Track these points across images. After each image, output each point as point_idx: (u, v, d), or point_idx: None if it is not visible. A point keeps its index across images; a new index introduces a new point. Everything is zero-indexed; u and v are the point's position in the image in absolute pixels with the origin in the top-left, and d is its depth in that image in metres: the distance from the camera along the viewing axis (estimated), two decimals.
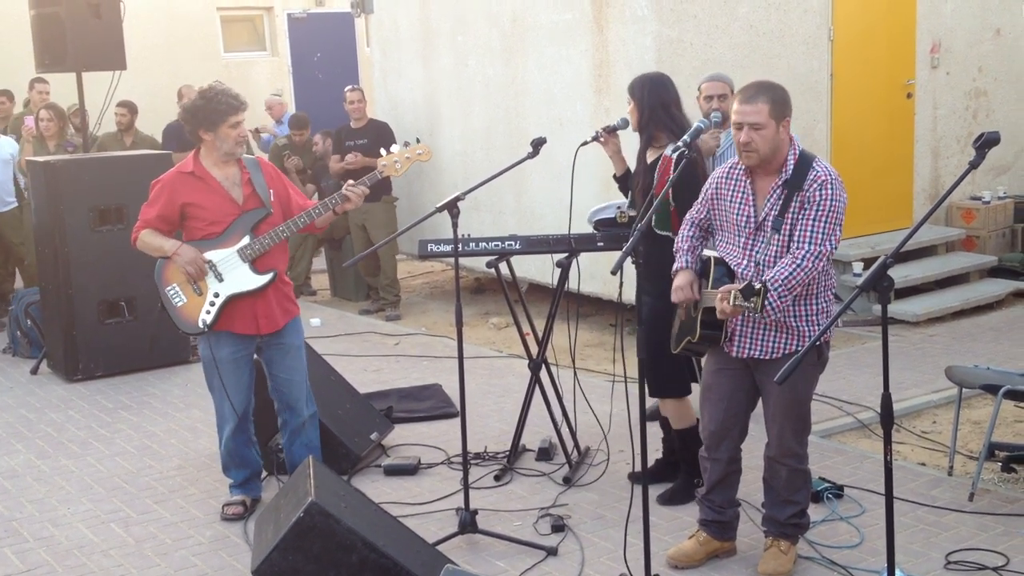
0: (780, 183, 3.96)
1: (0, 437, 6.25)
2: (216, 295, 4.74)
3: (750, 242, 4.02)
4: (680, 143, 4.13)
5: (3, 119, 9.74)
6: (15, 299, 8.32)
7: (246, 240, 4.73)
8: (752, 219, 4.01)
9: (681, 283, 4.11)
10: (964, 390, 5.12)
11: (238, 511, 4.94)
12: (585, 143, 5.04)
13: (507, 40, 8.67)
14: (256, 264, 4.75)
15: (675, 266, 4.19)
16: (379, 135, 9.01)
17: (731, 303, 3.73)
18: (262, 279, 4.75)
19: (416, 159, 4.90)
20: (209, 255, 4.72)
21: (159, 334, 7.20)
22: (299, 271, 9.77)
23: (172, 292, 4.79)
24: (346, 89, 9.36)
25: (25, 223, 8.94)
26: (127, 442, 6.08)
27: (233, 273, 4.73)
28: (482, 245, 5.36)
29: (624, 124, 5.01)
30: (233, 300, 4.74)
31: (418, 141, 4.98)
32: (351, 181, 4.86)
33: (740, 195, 4.05)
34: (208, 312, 4.74)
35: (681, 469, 4.94)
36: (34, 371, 7.60)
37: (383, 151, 4.93)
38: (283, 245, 4.88)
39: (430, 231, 7.67)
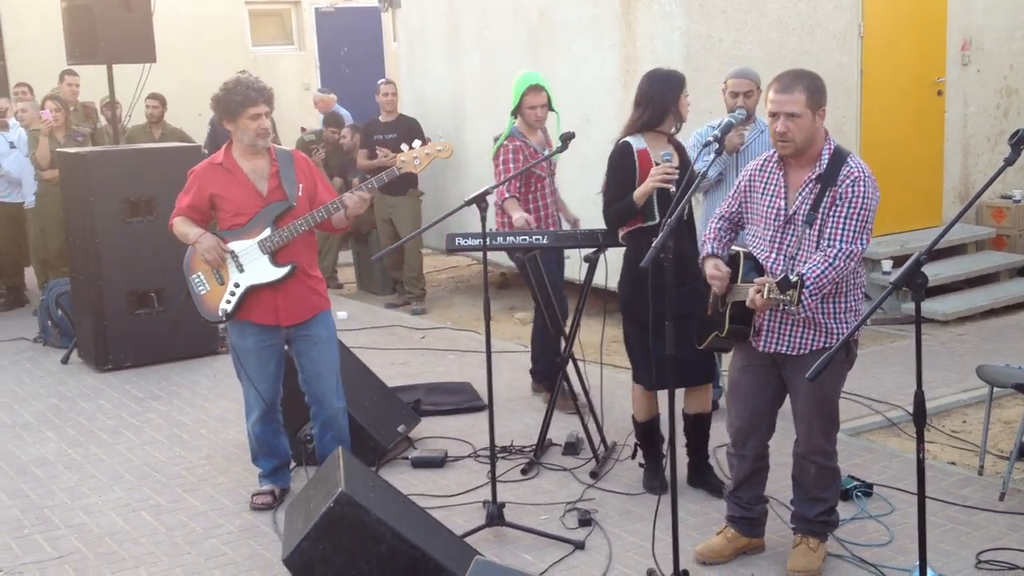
0: (813, 177, 3.94)
1: (31, 425, 6.32)
2: (236, 285, 4.78)
3: (779, 235, 4.00)
4: (711, 137, 4.12)
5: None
6: (46, 289, 8.40)
7: (267, 232, 4.76)
8: (782, 212, 3.99)
9: (712, 271, 4.09)
10: (995, 389, 5.08)
11: (267, 501, 4.97)
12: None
13: (534, 35, 8.67)
14: (277, 256, 4.77)
15: (702, 254, 4.18)
16: (408, 130, 9.00)
17: (765, 295, 3.71)
18: (280, 271, 4.78)
19: (436, 156, 4.87)
20: (232, 245, 4.76)
21: (185, 324, 7.27)
22: (326, 265, 9.80)
23: (196, 280, 4.86)
24: (380, 82, 9.39)
25: (43, 216, 9.00)
26: (157, 431, 6.13)
27: (253, 264, 4.77)
28: (509, 239, 5.37)
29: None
30: (253, 291, 4.78)
31: (440, 138, 4.97)
32: (355, 186, 4.88)
33: (772, 187, 4.04)
34: (228, 301, 4.79)
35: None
36: (65, 360, 7.67)
37: (404, 146, 4.92)
38: (309, 239, 4.89)
39: (456, 226, 7.69)
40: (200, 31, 13.74)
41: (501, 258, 8.32)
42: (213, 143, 9.48)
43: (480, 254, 5.06)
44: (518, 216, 5.79)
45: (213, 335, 7.61)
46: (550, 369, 5.95)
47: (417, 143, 4.90)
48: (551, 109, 6.23)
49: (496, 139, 6.22)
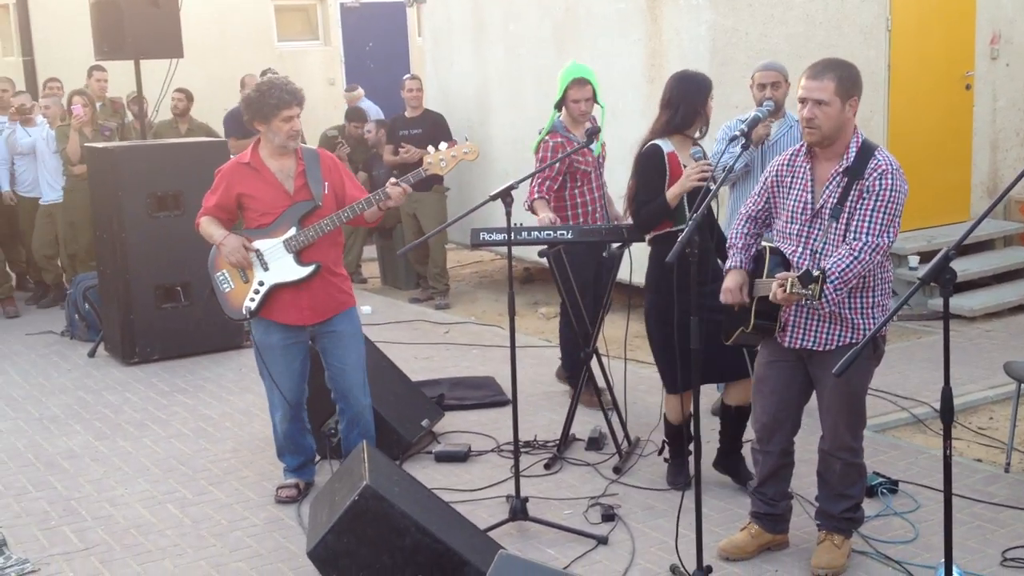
0: (840, 170, 3.91)
1: (59, 418, 6.38)
2: (261, 283, 4.80)
3: (806, 230, 3.98)
4: (738, 131, 4.11)
5: (59, 107, 9.88)
6: (73, 283, 8.48)
7: (292, 231, 4.77)
8: (809, 206, 3.97)
9: (731, 285, 4.09)
10: (1022, 386, 5.04)
11: (292, 494, 5.00)
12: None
13: (559, 29, 8.66)
14: (301, 256, 4.79)
15: (727, 265, 4.16)
16: (434, 126, 9.04)
17: (788, 290, 3.70)
18: (304, 271, 4.79)
19: (463, 158, 4.88)
20: (257, 244, 4.78)
21: (211, 319, 7.30)
22: (350, 259, 9.83)
23: (221, 278, 4.88)
24: (405, 77, 9.40)
25: (72, 211, 9.06)
26: (183, 424, 6.17)
27: (278, 263, 4.79)
28: (534, 234, 5.36)
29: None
30: (277, 289, 4.80)
31: (466, 140, 4.98)
32: (392, 179, 4.87)
33: (800, 181, 4.01)
34: (252, 300, 4.80)
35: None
36: (92, 354, 7.74)
37: (431, 148, 4.92)
38: (333, 238, 4.89)
39: (479, 221, 7.68)
40: (226, 27, 13.80)
41: (525, 253, 8.32)
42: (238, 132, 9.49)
43: (504, 249, 5.05)
44: (543, 216, 5.72)
45: (238, 330, 7.65)
46: (574, 365, 5.94)
47: (444, 145, 4.91)
48: (596, 102, 6.03)
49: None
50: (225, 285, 4.88)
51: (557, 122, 5.98)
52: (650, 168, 4.80)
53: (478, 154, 4.97)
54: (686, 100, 4.75)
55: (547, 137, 5.96)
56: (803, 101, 3.90)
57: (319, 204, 4.81)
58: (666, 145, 4.79)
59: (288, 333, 4.87)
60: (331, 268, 4.89)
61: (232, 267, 4.84)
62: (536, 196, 5.86)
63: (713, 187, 4.02)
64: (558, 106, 5.97)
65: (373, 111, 10.99)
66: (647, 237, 4.95)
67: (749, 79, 5.94)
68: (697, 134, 4.83)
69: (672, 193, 4.71)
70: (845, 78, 3.88)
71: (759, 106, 5.41)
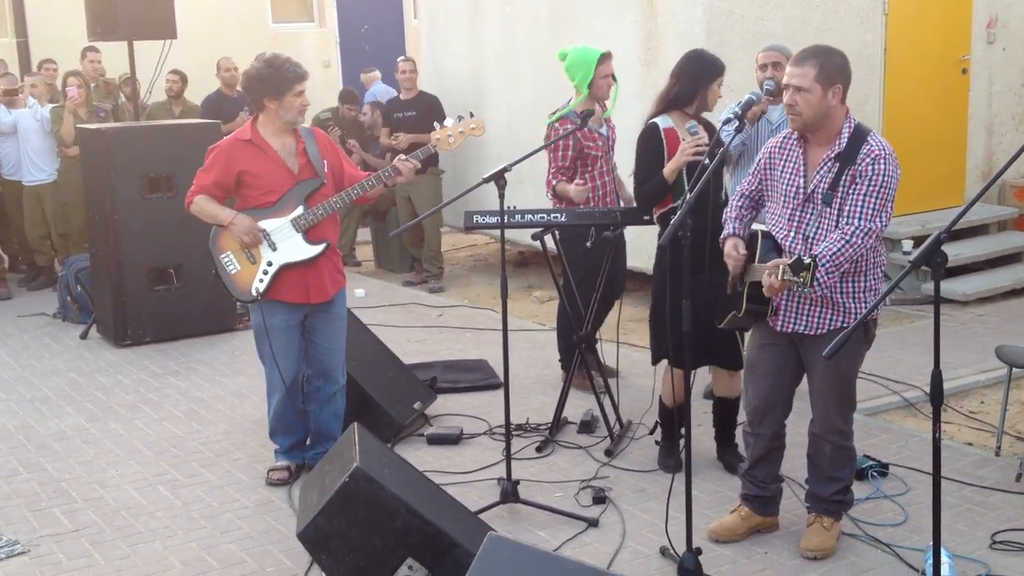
0: (832, 155, 3.91)
1: (50, 400, 6.37)
2: (269, 264, 4.76)
3: (797, 214, 3.98)
4: (731, 113, 4.10)
5: (49, 86, 9.84)
6: (66, 265, 8.46)
7: (300, 210, 4.75)
8: (801, 190, 3.96)
9: (729, 249, 4.08)
10: (1014, 370, 5.05)
11: (283, 476, 5.00)
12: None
13: (555, 11, 8.62)
14: (309, 234, 4.77)
15: (723, 233, 4.17)
16: (428, 108, 9.01)
17: (779, 277, 3.70)
18: (315, 249, 4.77)
19: (470, 133, 4.89)
20: (263, 224, 4.75)
21: (215, 299, 7.31)
22: (344, 242, 9.80)
23: (226, 260, 4.81)
24: (398, 59, 9.37)
25: (66, 192, 9.04)
26: (175, 407, 6.17)
27: (287, 243, 4.76)
28: (528, 217, 5.34)
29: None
30: (286, 269, 4.77)
31: (471, 115, 4.96)
32: (401, 156, 4.86)
33: (792, 165, 4.01)
34: (261, 280, 4.77)
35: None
36: (84, 336, 7.73)
37: (436, 125, 4.91)
38: (334, 216, 4.89)
39: (474, 204, 7.67)
40: (220, 8, 13.73)
41: (519, 236, 8.31)
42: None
43: (498, 232, 5.04)
44: (574, 188, 5.73)
45: (231, 312, 7.64)
46: (568, 348, 5.93)
47: (449, 121, 4.89)
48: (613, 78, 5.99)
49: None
50: (231, 267, 4.80)
51: (571, 112, 5.88)
52: (647, 147, 4.84)
53: (484, 129, 4.97)
54: (690, 76, 4.79)
55: (556, 124, 5.91)
56: (786, 87, 3.91)
57: (324, 182, 4.80)
58: (664, 121, 4.83)
59: (290, 314, 4.85)
60: (332, 247, 4.90)
61: (237, 249, 4.78)
62: (555, 182, 5.90)
63: (709, 164, 4.01)
64: (588, 87, 5.87)
65: (385, 94, 10.92)
66: (655, 214, 4.96)
67: (744, 62, 5.93)
68: (696, 113, 4.83)
69: (668, 168, 4.73)
70: (827, 65, 3.87)
71: (761, 87, 5.40)
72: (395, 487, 3.81)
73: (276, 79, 4.69)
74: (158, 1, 7.81)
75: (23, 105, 9.19)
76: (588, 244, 5.52)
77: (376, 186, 4.81)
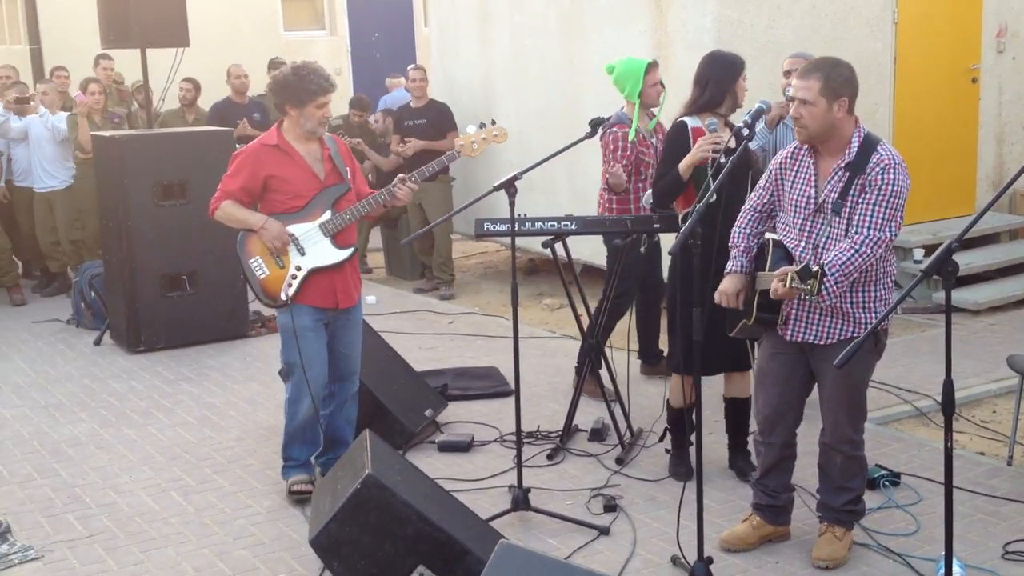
0: (842, 165, 3.92)
1: (64, 406, 6.40)
2: (298, 268, 4.77)
3: (808, 224, 3.99)
4: (741, 123, 4.13)
5: (61, 94, 9.89)
6: (80, 271, 8.50)
7: (327, 215, 4.77)
8: (812, 200, 3.97)
9: (726, 289, 4.10)
10: None
11: (309, 489, 4.83)
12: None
13: (565, 20, 8.65)
14: (336, 239, 4.79)
15: (727, 267, 4.17)
16: (438, 116, 9.04)
17: (787, 285, 3.71)
18: (343, 253, 4.79)
19: (492, 140, 4.93)
20: (291, 229, 4.75)
21: (213, 306, 7.34)
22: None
23: (255, 264, 4.81)
24: (409, 68, 9.41)
25: (81, 198, 9.08)
26: (187, 413, 6.20)
27: (315, 247, 4.77)
28: (538, 225, 5.35)
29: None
30: (314, 274, 4.78)
31: (493, 123, 4.98)
32: (401, 176, 4.83)
33: (803, 175, 4.02)
34: (290, 285, 4.76)
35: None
36: (97, 342, 7.77)
37: (460, 131, 4.94)
38: (354, 223, 4.92)
39: (485, 211, 7.69)
40: (233, 16, 13.80)
41: (530, 244, 8.33)
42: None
43: (508, 240, 5.06)
44: (616, 170, 5.85)
45: (244, 318, 7.67)
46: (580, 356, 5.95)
47: (472, 128, 4.92)
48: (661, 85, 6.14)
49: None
50: (260, 271, 4.80)
51: (621, 114, 6.07)
52: (673, 144, 4.88)
53: (507, 136, 5.02)
54: (715, 79, 4.82)
55: (615, 128, 6.02)
56: (792, 100, 3.93)
57: (351, 187, 4.83)
58: (693, 121, 4.86)
59: (317, 318, 4.84)
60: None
61: (266, 253, 4.78)
62: (605, 185, 6.04)
63: (724, 178, 4.01)
64: (638, 96, 6.00)
65: (399, 101, 10.93)
66: (679, 214, 4.97)
67: (754, 70, 5.93)
68: (728, 112, 4.88)
69: (683, 164, 4.75)
70: (832, 78, 3.88)
71: (783, 92, 5.43)
72: (407, 494, 3.83)
73: (299, 88, 4.71)
74: (171, 9, 7.86)
75: (35, 112, 9.24)
76: (642, 249, 5.56)
77: (384, 201, 4.81)
